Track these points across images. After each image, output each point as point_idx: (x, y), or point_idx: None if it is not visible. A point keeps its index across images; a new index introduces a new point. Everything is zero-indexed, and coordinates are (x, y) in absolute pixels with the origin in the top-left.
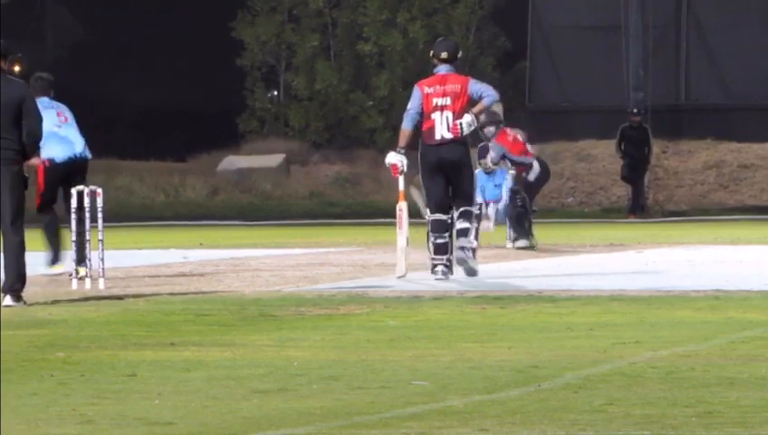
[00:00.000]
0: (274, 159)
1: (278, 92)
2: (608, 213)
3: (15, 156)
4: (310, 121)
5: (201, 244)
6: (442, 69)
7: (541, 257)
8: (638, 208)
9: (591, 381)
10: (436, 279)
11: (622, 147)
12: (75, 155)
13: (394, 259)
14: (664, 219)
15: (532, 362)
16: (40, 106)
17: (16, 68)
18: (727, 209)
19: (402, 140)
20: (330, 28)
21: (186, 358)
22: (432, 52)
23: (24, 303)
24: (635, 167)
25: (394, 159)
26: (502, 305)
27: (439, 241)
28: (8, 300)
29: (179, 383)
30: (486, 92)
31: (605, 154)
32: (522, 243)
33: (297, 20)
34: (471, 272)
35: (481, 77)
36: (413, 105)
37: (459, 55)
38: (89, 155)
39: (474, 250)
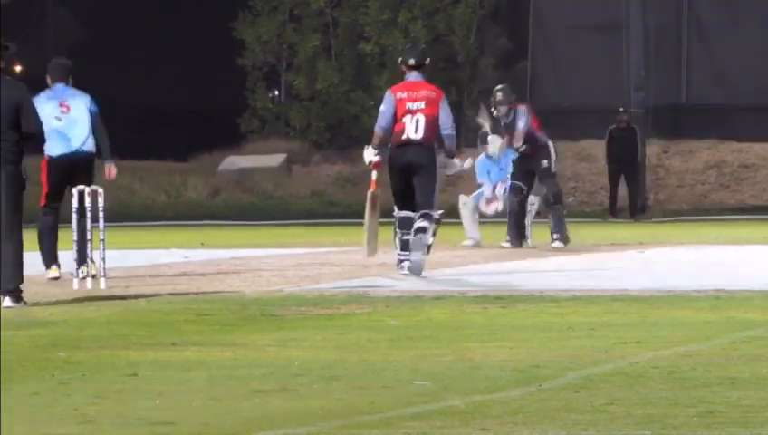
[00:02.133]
0: (275, 159)
1: (279, 92)
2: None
3: (14, 156)
4: (311, 121)
5: (202, 244)
6: (411, 76)
7: (541, 257)
8: (636, 210)
9: (593, 380)
10: (402, 274)
11: (610, 149)
12: (73, 151)
13: (394, 259)
14: (665, 219)
15: (533, 362)
16: (47, 96)
17: (17, 68)
18: (728, 209)
19: (376, 141)
20: (331, 28)
21: (187, 358)
22: (401, 59)
23: (25, 303)
24: (624, 169)
25: (371, 156)
26: (503, 305)
27: (406, 237)
28: (8, 301)
29: (180, 383)
30: (446, 129)
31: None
32: (507, 244)
33: (298, 20)
34: (416, 268)
35: (482, 77)
36: (386, 108)
37: (427, 62)
38: (91, 149)
39: (428, 247)
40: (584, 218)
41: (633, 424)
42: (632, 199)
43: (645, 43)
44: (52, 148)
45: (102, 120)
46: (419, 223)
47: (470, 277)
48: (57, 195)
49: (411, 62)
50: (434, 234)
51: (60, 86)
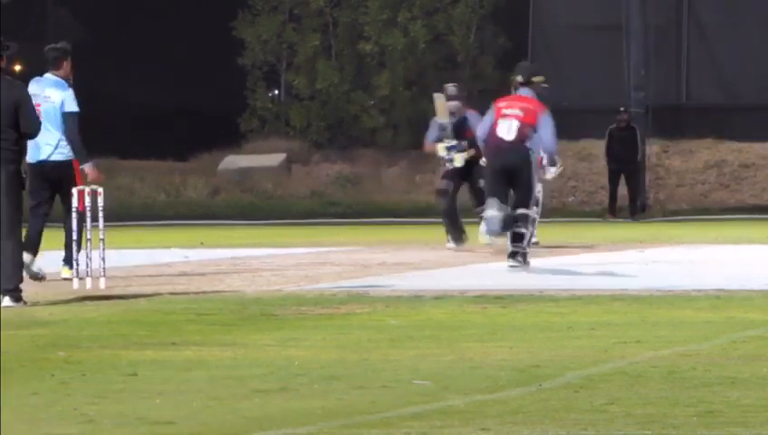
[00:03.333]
0: (275, 159)
1: (279, 92)
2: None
3: (14, 156)
4: (311, 121)
5: (202, 243)
6: (520, 91)
7: (541, 257)
8: (636, 209)
9: (593, 380)
10: (510, 266)
11: (610, 149)
12: (40, 160)
13: (394, 258)
14: (665, 219)
15: (533, 362)
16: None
17: (17, 67)
18: (728, 209)
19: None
20: (331, 27)
21: (187, 357)
22: (512, 76)
23: (25, 303)
24: (624, 169)
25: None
26: (503, 305)
27: (517, 230)
28: (7, 301)
29: (181, 383)
30: (546, 144)
31: None
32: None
33: (298, 19)
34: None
35: (481, 77)
36: (486, 118)
37: (534, 79)
38: (62, 157)
39: (525, 254)
40: (584, 218)
41: (633, 424)
42: (632, 199)
43: (645, 43)
44: (28, 154)
45: (79, 122)
46: (517, 229)
47: (470, 277)
48: (38, 198)
49: (518, 78)
50: (531, 235)
51: (44, 78)
